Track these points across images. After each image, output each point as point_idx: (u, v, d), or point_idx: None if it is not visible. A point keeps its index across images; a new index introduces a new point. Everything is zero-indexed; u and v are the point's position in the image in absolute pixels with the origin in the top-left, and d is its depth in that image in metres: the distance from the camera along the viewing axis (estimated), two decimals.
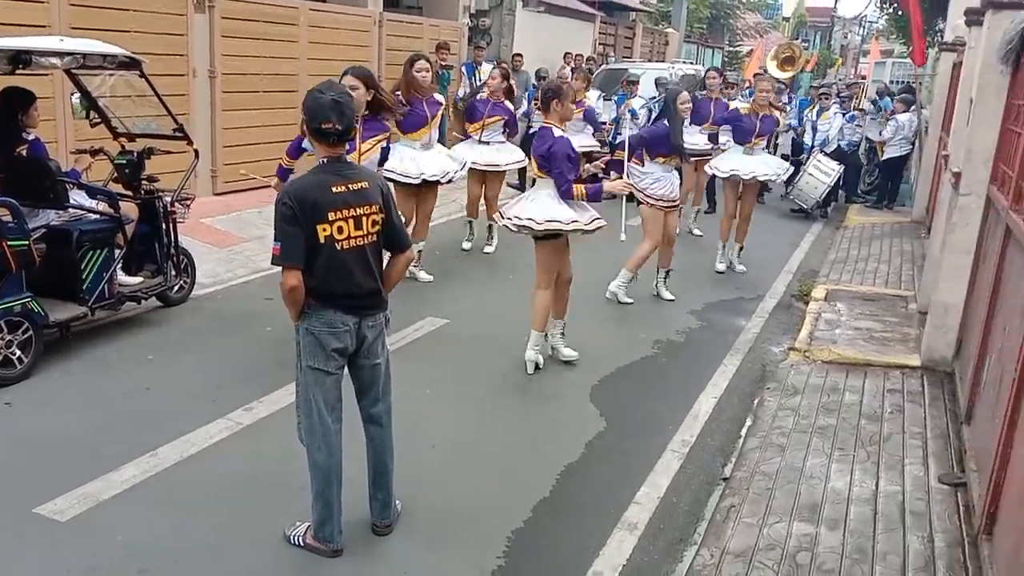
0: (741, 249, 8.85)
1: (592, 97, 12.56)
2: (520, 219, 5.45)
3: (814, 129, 12.63)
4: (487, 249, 8.90)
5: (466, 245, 8.97)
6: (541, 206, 5.44)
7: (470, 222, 9.03)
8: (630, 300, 7.44)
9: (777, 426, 5.00)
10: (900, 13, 17.53)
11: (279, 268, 3.22)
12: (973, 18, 7.06)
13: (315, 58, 10.47)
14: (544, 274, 5.67)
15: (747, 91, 14.45)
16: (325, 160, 3.25)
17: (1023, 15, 4.90)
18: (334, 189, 3.20)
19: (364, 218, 3.27)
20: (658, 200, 7.24)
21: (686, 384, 5.77)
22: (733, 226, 8.75)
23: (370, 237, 3.31)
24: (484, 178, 8.59)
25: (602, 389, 5.59)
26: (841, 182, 12.68)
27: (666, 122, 7.09)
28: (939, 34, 16.28)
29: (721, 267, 8.75)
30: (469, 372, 5.71)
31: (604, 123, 12.31)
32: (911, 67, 18.50)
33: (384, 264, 3.47)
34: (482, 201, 8.80)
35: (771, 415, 5.17)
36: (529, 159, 6.12)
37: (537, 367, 5.78)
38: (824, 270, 9.06)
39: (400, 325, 6.36)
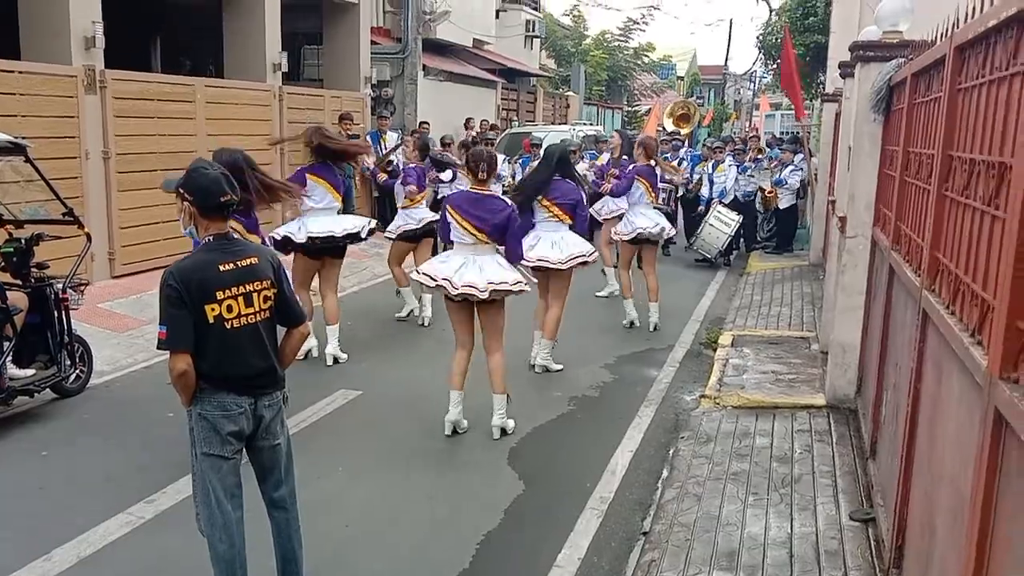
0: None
1: (498, 161, 12.80)
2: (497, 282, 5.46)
3: (711, 181, 13.08)
4: (427, 317, 8.70)
5: (403, 313, 8.80)
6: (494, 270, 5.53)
7: (399, 291, 8.84)
8: (559, 367, 7.24)
9: (692, 475, 5.01)
10: (779, 68, 18.46)
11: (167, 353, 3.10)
12: (846, 70, 7.46)
13: (214, 134, 10.33)
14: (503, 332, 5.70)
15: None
16: (211, 238, 3.17)
17: (889, 67, 5.19)
18: (221, 267, 3.12)
19: (255, 294, 3.19)
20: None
21: (602, 439, 5.76)
22: (639, 283, 8.83)
23: (262, 314, 3.23)
24: (416, 245, 8.51)
25: (519, 451, 5.53)
26: (741, 231, 13.10)
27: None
28: (821, 86, 17.15)
29: (627, 322, 8.77)
30: (383, 445, 5.57)
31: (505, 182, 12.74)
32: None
33: (279, 340, 3.38)
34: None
35: (686, 464, 5.19)
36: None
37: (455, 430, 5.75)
38: (730, 316, 9.27)
39: (311, 399, 6.21)
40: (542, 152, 7.54)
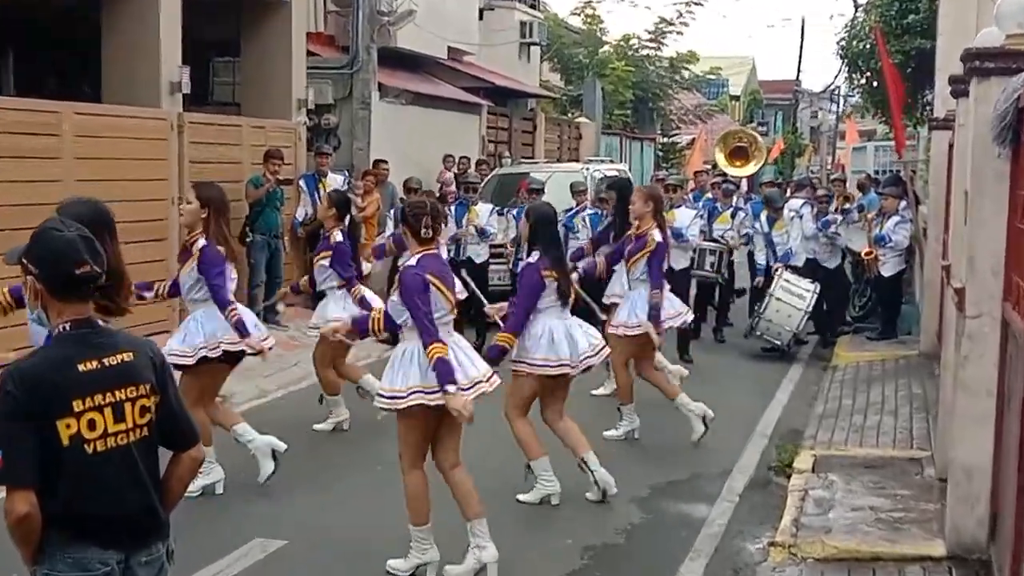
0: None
1: (483, 212, 12.89)
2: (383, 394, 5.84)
3: (770, 243, 13.10)
4: (316, 426, 8.90)
5: (323, 426, 8.92)
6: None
7: (322, 396, 9.01)
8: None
9: None
10: (876, 85, 18.75)
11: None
12: (959, 87, 7.58)
13: (86, 179, 10.39)
14: (413, 450, 5.86)
15: (693, 194, 15.08)
16: (68, 325, 3.18)
17: (1015, 82, 5.26)
18: (81, 367, 3.12)
19: (128, 404, 3.19)
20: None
21: None
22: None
23: (138, 431, 3.22)
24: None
25: None
26: (823, 307, 13.13)
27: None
28: (927, 108, 17.43)
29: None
30: None
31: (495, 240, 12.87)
32: None
33: (163, 470, 3.37)
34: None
35: None
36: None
37: None
38: (810, 429, 9.25)
39: (213, 554, 6.15)
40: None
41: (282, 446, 7.23)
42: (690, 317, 9.37)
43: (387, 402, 5.79)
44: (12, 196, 9.78)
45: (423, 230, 5.77)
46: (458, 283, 6.50)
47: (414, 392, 5.68)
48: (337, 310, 8.56)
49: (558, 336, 7.06)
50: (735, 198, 14.77)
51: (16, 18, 14.17)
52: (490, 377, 6.00)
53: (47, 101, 11.09)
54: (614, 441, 8.70)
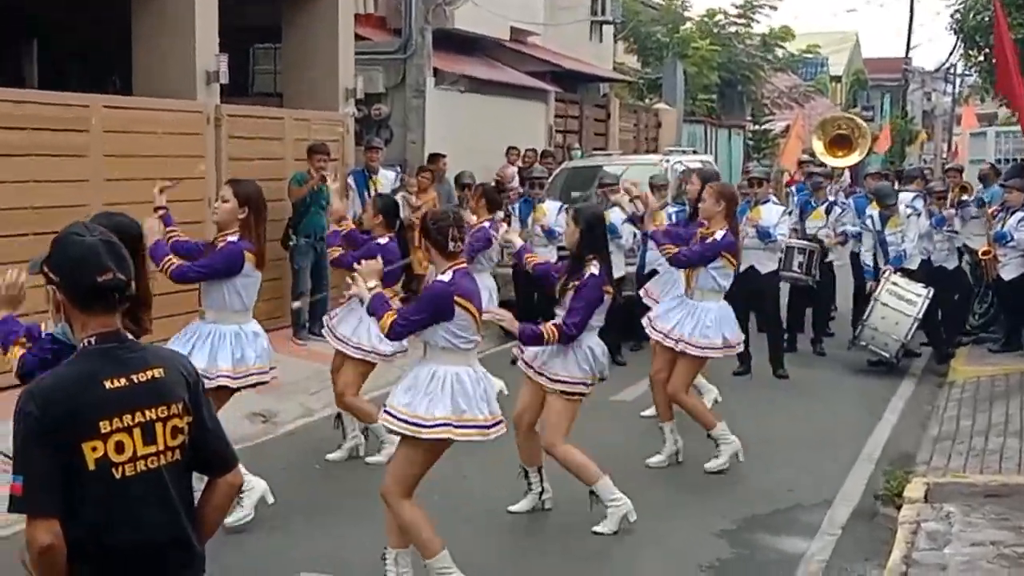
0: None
1: (550, 211, 12.88)
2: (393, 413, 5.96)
3: (882, 243, 12.93)
4: (370, 459, 8.90)
5: (334, 455, 9.00)
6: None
7: (339, 415, 9.10)
8: None
9: None
10: (995, 63, 18.50)
11: (22, 517, 3.11)
12: None
13: (115, 178, 10.60)
14: (407, 483, 6.03)
15: (796, 186, 14.93)
16: (94, 339, 3.21)
17: None
18: (108, 384, 3.15)
19: (159, 425, 3.21)
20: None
21: None
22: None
23: (170, 454, 3.24)
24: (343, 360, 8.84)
25: None
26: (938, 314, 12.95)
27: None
28: None
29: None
30: None
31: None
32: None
33: (198, 497, 3.40)
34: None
35: None
36: None
37: None
38: (923, 453, 9.16)
39: None
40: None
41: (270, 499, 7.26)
42: (739, 349, 9.33)
43: (402, 425, 5.87)
44: (37, 197, 9.98)
45: (450, 244, 5.89)
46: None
47: (443, 424, 5.81)
48: (348, 329, 8.60)
49: (598, 353, 7.25)
50: (829, 191, 14.61)
51: (40, 6, 14.47)
52: (495, 424, 6.10)
53: (74, 94, 11.30)
54: (701, 468, 8.67)
